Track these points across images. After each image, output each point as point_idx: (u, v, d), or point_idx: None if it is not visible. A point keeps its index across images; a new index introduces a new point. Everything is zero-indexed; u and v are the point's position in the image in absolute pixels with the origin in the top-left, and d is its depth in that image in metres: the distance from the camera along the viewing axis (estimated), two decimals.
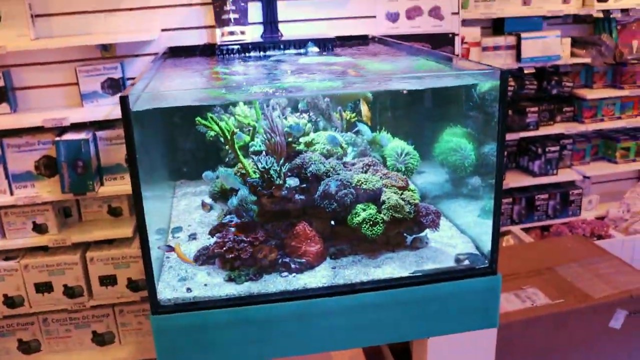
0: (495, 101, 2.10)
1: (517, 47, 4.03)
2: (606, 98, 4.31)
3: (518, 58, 4.04)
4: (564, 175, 4.46)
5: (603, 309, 3.08)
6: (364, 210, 2.15)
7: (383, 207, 2.14)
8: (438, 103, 2.58)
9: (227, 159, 2.64)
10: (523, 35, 3.99)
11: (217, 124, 2.16)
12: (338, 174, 2.15)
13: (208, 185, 2.66)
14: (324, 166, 2.16)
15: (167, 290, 2.06)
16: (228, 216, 2.22)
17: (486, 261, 2.22)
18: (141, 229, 1.92)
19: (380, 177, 2.22)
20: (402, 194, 2.18)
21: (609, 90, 4.34)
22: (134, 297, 3.30)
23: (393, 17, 3.44)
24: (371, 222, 2.14)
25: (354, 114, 2.56)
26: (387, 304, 2.11)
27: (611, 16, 4.09)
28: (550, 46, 4.01)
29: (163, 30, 3.21)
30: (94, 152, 3.03)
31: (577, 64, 4.29)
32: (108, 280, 3.24)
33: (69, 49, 3.14)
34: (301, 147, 2.30)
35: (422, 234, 2.29)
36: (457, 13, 3.50)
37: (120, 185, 3.14)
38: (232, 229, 2.08)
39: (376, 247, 2.23)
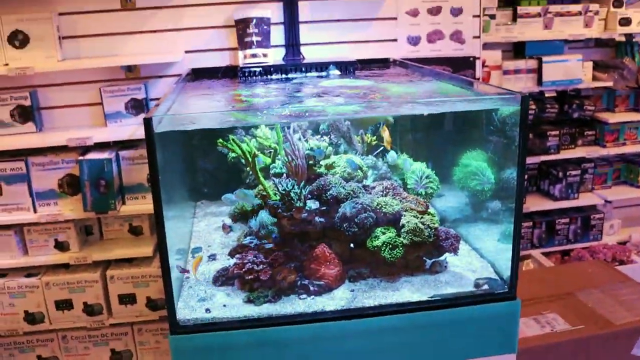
0: (515, 125, 2.12)
1: (539, 71, 4.04)
2: (628, 122, 4.28)
3: (539, 81, 4.04)
4: (585, 199, 4.43)
5: (624, 336, 3.04)
6: (384, 233, 2.16)
7: (402, 230, 2.15)
8: (458, 127, 2.59)
9: (247, 181, 2.67)
10: (544, 58, 4.00)
11: (239, 146, 2.19)
12: (358, 197, 2.17)
13: (228, 207, 2.69)
14: (344, 189, 2.17)
15: (186, 310, 2.08)
16: (248, 237, 2.24)
17: (505, 286, 2.22)
18: (162, 249, 1.95)
19: (400, 201, 2.23)
20: (421, 217, 2.18)
21: (631, 114, 4.31)
22: (153, 316, 3.32)
23: (414, 41, 3.47)
24: (390, 246, 2.14)
25: (374, 137, 2.58)
26: (406, 328, 2.11)
27: (633, 40, 4.08)
28: (571, 70, 4.02)
29: (187, 52, 3.27)
30: (116, 171, 3.08)
31: (599, 88, 4.28)
32: (127, 299, 3.27)
33: (94, 69, 3.21)
34: (322, 169, 2.33)
35: (442, 258, 2.29)
36: (479, 37, 3.52)
37: (141, 205, 3.18)
38: (270, 245, 2.09)
39: (395, 271, 2.24)
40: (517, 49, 4.21)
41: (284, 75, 3.13)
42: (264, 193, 2.23)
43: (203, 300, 2.13)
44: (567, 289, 3.41)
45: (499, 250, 2.37)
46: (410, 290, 2.17)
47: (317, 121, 2.67)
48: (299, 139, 2.24)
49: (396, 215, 2.18)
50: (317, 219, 2.15)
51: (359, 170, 2.34)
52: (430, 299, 2.14)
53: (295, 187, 2.11)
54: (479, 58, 3.57)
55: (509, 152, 2.43)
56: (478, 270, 2.32)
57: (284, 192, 2.10)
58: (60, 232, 3.17)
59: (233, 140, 2.22)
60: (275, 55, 3.33)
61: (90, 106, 3.29)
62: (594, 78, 4.19)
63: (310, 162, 2.29)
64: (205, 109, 2.36)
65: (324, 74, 3.14)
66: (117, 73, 3.27)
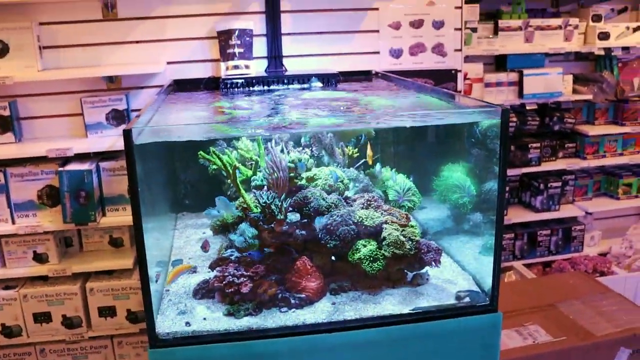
0: (496, 138, 2.13)
1: (520, 84, 4.08)
2: (608, 134, 4.34)
3: (520, 94, 4.08)
4: (566, 211, 4.46)
5: (605, 347, 3.06)
6: (364, 246, 2.15)
7: (384, 243, 2.15)
8: (440, 139, 2.60)
9: (229, 192, 2.66)
10: (525, 72, 4.04)
11: (220, 158, 2.18)
12: (339, 209, 2.17)
13: (209, 219, 2.67)
14: (325, 201, 2.17)
15: (166, 323, 2.06)
16: (228, 250, 2.22)
17: (487, 298, 2.22)
18: (141, 261, 1.93)
19: (381, 214, 2.23)
20: (403, 230, 2.19)
21: (610, 127, 4.37)
22: (133, 329, 3.28)
23: (396, 54, 3.49)
24: (371, 258, 2.14)
25: (356, 150, 2.59)
26: (387, 341, 2.10)
27: (612, 54, 4.14)
28: (552, 83, 4.06)
29: (169, 63, 3.26)
30: (96, 182, 3.06)
31: (579, 101, 4.33)
32: (107, 311, 3.23)
33: (75, 80, 3.19)
34: (303, 182, 2.32)
35: (423, 271, 2.29)
36: (460, 50, 3.55)
37: (122, 216, 3.15)
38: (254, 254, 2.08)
39: (376, 283, 2.23)
40: (499, 62, 4.25)
41: (266, 87, 3.13)
42: (245, 205, 2.22)
43: (183, 313, 2.11)
44: (548, 301, 3.43)
45: (480, 262, 2.38)
46: (391, 302, 2.17)
47: (299, 133, 2.67)
48: (281, 151, 2.23)
49: (377, 228, 2.18)
50: (297, 231, 2.15)
51: (340, 183, 2.34)
52: (411, 311, 2.14)
53: (276, 199, 2.10)
54: (460, 71, 3.59)
55: (490, 165, 2.45)
56: (460, 282, 2.32)
57: (264, 204, 2.09)
58: (39, 244, 3.13)
59: (214, 152, 2.21)
60: (257, 67, 3.33)
61: (71, 117, 3.27)
62: (574, 91, 4.24)
63: (292, 174, 2.29)
64: (186, 120, 2.36)
65: (306, 86, 3.14)
66: (98, 84, 3.25)
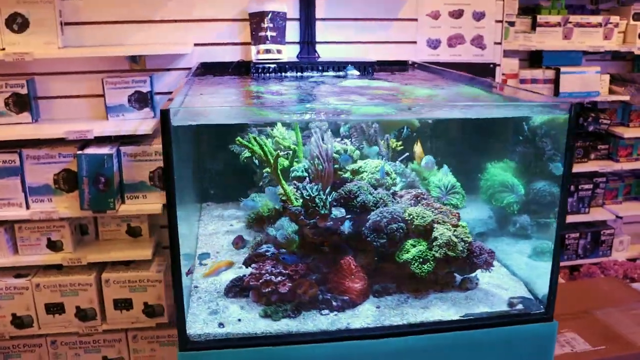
0: (556, 134, 1.94)
1: (556, 81, 3.87)
2: None
3: (556, 92, 3.87)
4: (595, 214, 4.26)
5: None
6: (414, 246, 1.96)
7: (435, 243, 1.95)
8: (488, 134, 2.40)
9: (261, 184, 2.46)
10: (562, 69, 3.83)
11: (260, 145, 1.98)
12: (387, 205, 1.97)
13: (237, 209, 2.48)
14: (373, 197, 1.97)
15: (197, 324, 1.86)
16: (264, 245, 2.03)
17: (541, 306, 2.03)
18: (174, 255, 1.74)
19: (432, 212, 2.03)
20: (454, 230, 1.99)
21: None
22: (150, 323, 3.09)
23: (434, 44, 3.29)
24: (421, 260, 1.95)
25: (399, 142, 2.38)
26: (437, 349, 1.92)
27: None
28: (589, 82, 3.85)
29: (196, 44, 3.05)
30: (116, 168, 2.86)
31: (615, 102, 4.13)
32: (123, 304, 3.04)
33: (97, 59, 2.99)
34: (347, 175, 2.12)
35: (472, 275, 2.10)
36: (500, 43, 3.35)
37: (142, 205, 2.95)
38: (291, 258, 1.88)
39: (423, 286, 2.04)
40: (534, 58, 4.04)
41: (299, 74, 2.94)
42: (284, 198, 2.02)
43: (215, 313, 1.91)
44: (583, 307, 3.24)
45: (533, 267, 2.19)
46: (440, 308, 1.98)
47: (339, 123, 2.46)
48: (326, 142, 2.03)
49: (427, 227, 1.98)
50: (342, 228, 1.95)
51: (388, 178, 2.14)
52: (462, 317, 1.95)
53: (321, 193, 1.90)
54: (499, 65, 3.39)
55: (541, 163, 2.26)
56: (510, 288, 2.13)
57: (308, 197, 1.89)
58: (53, 231, 2.93)
59: (254, 138, 2.01)
60: (288, 53, 3.13)
61: (91, 98, 3.06)
62: (611, 91, 4.03)
63: (335, 166, 2.09)
64: (221, 104, 2.15)
65: (341, 73, 2.95)
66: (121, 64, 3.04)
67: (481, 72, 3.33)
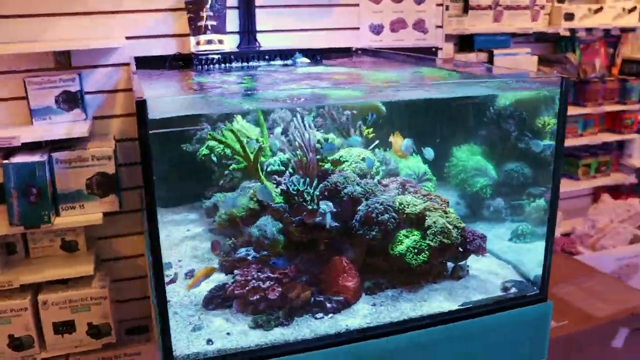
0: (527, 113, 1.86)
1: (489, 64, 3.87)
2: (569, 116, 4.22)
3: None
4: None
5: (607, 327, 2.90)
6: (407, 236, 1.81)
7: (429, 232, 1.82)
8: (460, 115, 2.30)
9: (221, 182, 2.23)
10: (495, 52, 3.84)
11: (238, 139, 1.76)
12: (375, 196, 1.81)
13: (188, 213, 2.23)
14: (361, 187, 1.81)
15: (181, 343, 1.62)
16: (243, 249, 1.81)
17: (535, 287, 1.95)
18: (156, 266, 1.49)
19: (421, 199, 1.89)
20: (447, 216, 1.86)
21: (572, 108, 4.25)
22: (95, 345, 2.76)
23: (377, 30, 3.16)
24: (416, 250, 1.80)
25: (370, 129, 2.21)
26: (438, 341, 1.79)
27: (577, 35, 4.02)
28: (521, 63, 3.88)
29: (128, 38, 2.75)
30: (49, 177, 2.52)
31: None
32: (64, 327, 2.69)
33: (16, 57, 2.63)
34: (327, 166, 1.94)
35: (463, 262, 1.98)
36: (441, 26, 3.28)
37: (79, 215, 2.62)
38: (279, 262, 1.67)
39: (416, 279, 1.90)
40: (464, 42, 4.01)
41: (245, 64, 2.72)
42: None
43: (199, 328, 1.68)
44: None
45: (518, 250, 2.11)
46: (437, 299, 1.85)
47: (316, 109, 2.26)
48: (308, 129, 1.83)
49: (419, 216, 1.84)
50: (329, 222, 1.76)
51: (374, 168, 1.97)
52: (461, 307, 1.83)
53: (308, 186, 1.71)
54: (441, 48, 3.33)
55: (513, 142, 2.19)
56: (500, 273, 2.03)
57: (295, 192, 1.69)
58: None
59: (231, 131, 1.78)
60: (229, 44, 2.89)
61: (11, 101, 2.69)
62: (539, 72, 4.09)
63: (317, 157, 1.90)
64: (181, 96, 1.90)
65: (289, 62, 2.76)
66: (44, 61, 2.69)
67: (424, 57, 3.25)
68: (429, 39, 3.26)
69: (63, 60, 2.71)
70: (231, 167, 1.97)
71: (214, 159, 2.17)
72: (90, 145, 2.64)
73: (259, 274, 1.70)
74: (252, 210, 1.84)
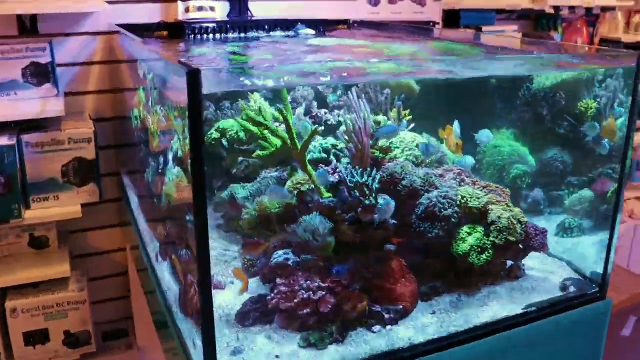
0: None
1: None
2: None
3: None
4: None
5: (616, 317, 2.75)
6: (469, 234, 1.54)
7: (492, 228, 1.55)
8: (499, 96, 2.04)
9: (234, 171, 1.88)
10: (484, 29, 3.61)
11: (286, 121, 1.42)
12: (436, 187, 1.52)
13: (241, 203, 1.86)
14: (420, 179, 1.51)
15: None
16: (280, 253, 1.49)
17: (594, 285, 1.73)
18: (203, 270, 1.15)
19: (482, 191, 1.62)
20: (510, 210, 1.60)
21: None
22: (73, 356, 2.37)
23: (375, 1, 2.85)
24: (479, 249, 1.54)
25: (407, 111, 1.91)
26: (505, 349, 1.53)
27: (560, 12, 3.85)
28: (509, 41, 3.67)
29: (109, 2, 2.33)
30: (19, 163, 2.10)
31: None
32: (37, 337, 2.29)
33: None
34: (377, 153, 1.63)
35: (520, 261, 1.73)
36: (439, 0, 3.01)
37: (53, 208, 2.22)
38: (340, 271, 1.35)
39: (474, 281, 1.63)
40: (449, 18, 3.76)
41: (242, 34, 2.36)
42: (304, 188, 1.48)
43: (239, 352, 1.35)
44: None
45: (570, 245, 1.89)
46: (499, 303, 1.59)
47: (366, 84, 1.91)
48: (363, 108, 1.51)
49: (482, 210, 1.57)
50: (386, 219, 1.47)
51: (433, 156, 1.67)
52: (525, 310, 1.58)
53: (365, 177, 1.40)
54: (438, 23, 3.06)
55: (560, 128, 1.95)
56: (555, 271, 1.79)
57: (353, 185, 1.38)
58: None
59: (281, 111, 1.43)
60: (220, 12, 2.52)
61: None
62: None
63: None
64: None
65: (291, 33, 2.42)
66: (8, 28, 2.24)
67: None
68: (426, 12, 2.98)
69: (28, 26, 2.26)
70: (256, 153, 1.63)
71: (225, 143, 1.82)
72: (66, 126, 2.23)
73: (309, 282, 1.39)
74: (290, 207, 1.51)
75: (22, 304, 2.24)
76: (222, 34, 2.31)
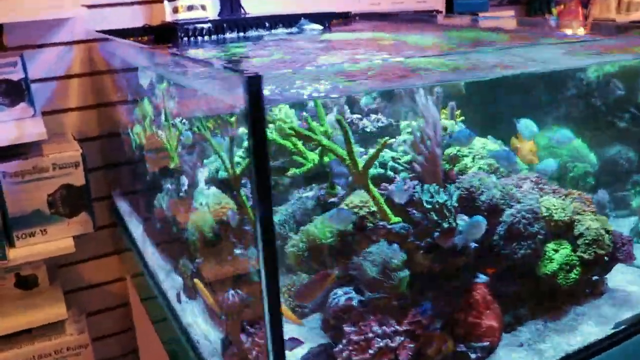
0: None
1: None
2: None
3: None
4: None
5: None
6: (556, 250, 1.27)
7: (580, 242, 1.29)
8: (555, 91, 1.76)
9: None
10: (480, 15, 3.37)
11: (346, 134, 1.11)
12: (519, 201, 1.25)
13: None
14: (500, 191, 1.23)
15: None
16: (339, 291, 1.19)
17: None
18: (274, 312, 0.86)
19: (566, 200, 1.35)
20: (597, 220, 1.33)
21: None
22: None
23: None
24: (568, 267, 1.27)
25: (458, 112, 1.61)
26: None
27: None
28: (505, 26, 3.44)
29: (87, 6, 1.98)
30: None
31: None
32: None
33: None
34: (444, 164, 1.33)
35: (604, 275, 1.47)
36: None
37: (41, 244, 1.88)
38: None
39: (558, 303, 1.36)
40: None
41: (241, 34, 2.04)
42: (365, 210, 1.18)
43: None
44: None
45: None
46: (588, 325, 1.33)
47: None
48: (433, 112, 1.21)
49: (568, 222, 1.30)
50: (465, 242, 1.18)
51: (515, 166, 1.37)
52: (615, 330, 1.33)
53: (443, 195, 1.12)
54: (441, 12, 2.80)
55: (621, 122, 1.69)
56: (633, 280, 1.54)
57: (431, 206, 1.10)
58: None
59: (339, 121, 1.13)
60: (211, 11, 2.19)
61: None
62: None
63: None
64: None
65: (294, 30, 2.11)
66: None
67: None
68: (429, 1, 2.71)
69: None
70: (291, 172, 1.33)
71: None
72: (48, 150, 1.88)
73: (384, 328, 1.10)
74: (344, 234, 1.21)
75: (14, 355, 1.89)
76: (219, 34, 2.00)
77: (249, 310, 1.04)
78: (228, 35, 2.01)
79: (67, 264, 2.19)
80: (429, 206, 1.10)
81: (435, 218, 1.10)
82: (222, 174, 1.29)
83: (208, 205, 1.14)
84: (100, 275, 2.28)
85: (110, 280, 2.30)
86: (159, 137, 1.40)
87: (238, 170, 1.21)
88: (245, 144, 1.37)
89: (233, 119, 1.46)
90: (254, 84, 0.76)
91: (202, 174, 1.40)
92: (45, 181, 1.85)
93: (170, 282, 1.57)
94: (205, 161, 1.43)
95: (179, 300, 1.48)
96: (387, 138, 1.13)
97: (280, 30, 2.08)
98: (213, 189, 1.20)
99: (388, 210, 1.15)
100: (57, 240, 1.90)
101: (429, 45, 1.65)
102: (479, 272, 1.20)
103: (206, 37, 1.97)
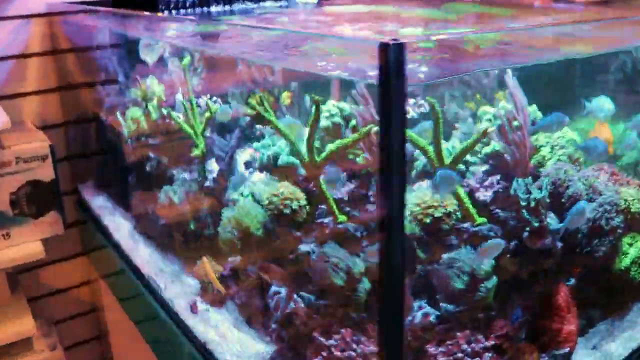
0: None
1: None
2: None
3: None
4: None
5: None
6: (630, 244, 1.13)
7: None
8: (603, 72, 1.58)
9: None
10: None
11: (437, 122, 0.89)
12: (601, 193, 1.09)
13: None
14: (584, 184, 1.07)
15: None
16: (416, 307, 0.99)
17: None
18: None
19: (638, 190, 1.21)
20: None
21: None
22: None
23: None
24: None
25: (501, 93, 1.40)
26: None
27: None
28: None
29: None
30: None
31: None
32: None
33: None
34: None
35: None
36: None
37: (2, 251, 1.55)
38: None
39: (623, 300, 1.23)
40: None
41: (227, 7, 1.77)
42: (443, 211, 0.97)
43: None
44: None
45: None
46: None
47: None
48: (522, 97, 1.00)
49: None
50: (556, 242, 1.01)
51: (602, 157, 1.18)
52: None
53: (537, 190, 0.94)
54: None
55: None
56: None
57: (527, 203, 0.91)
58: None
59: (432, 104, 0.89)
60: None
61: None
62: None
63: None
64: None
65: (283, 3, 1.86)
66: None
67: None
68: None
69: None
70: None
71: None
72: (9, 141, 1.54)
73: (473, 345, 0.92)
74: (412, 239, 1.00)
75: None
76: (203, 7, 1.72)
77: (321, 318, 0.82)
78: (213, 8, 1.73)
79: (28, 269, 1.86)
80: (524, 203, 0.92)
81: (527, 217, 0.93)
82: (288, 160, 1.04)
83: (256, 195, 0.91)
84: (67, 278, 1.95)
85: (78, 284, 1.98)
86: (174, 119, 1.13)
87: (322, 156, 0.97)
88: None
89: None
90: (398, 53, 0.54)
91: (241, 160, 1.16)
92: (7, 177, 1.52)
93: (179, 288, 1.32)
94: (255, 145, 1.18)
95: (194, 311, 1.24)
96: (488, 125, 0.93)
97: (269, 4, 1.83)
98: (262, 176, 0.97)
99: (473, 210, 0.96)
100: (23, 243, 1.58)
101: (453, 19, 1.46)
102: (554, 273, 1.04)
103: (189, 10, 1.69)
